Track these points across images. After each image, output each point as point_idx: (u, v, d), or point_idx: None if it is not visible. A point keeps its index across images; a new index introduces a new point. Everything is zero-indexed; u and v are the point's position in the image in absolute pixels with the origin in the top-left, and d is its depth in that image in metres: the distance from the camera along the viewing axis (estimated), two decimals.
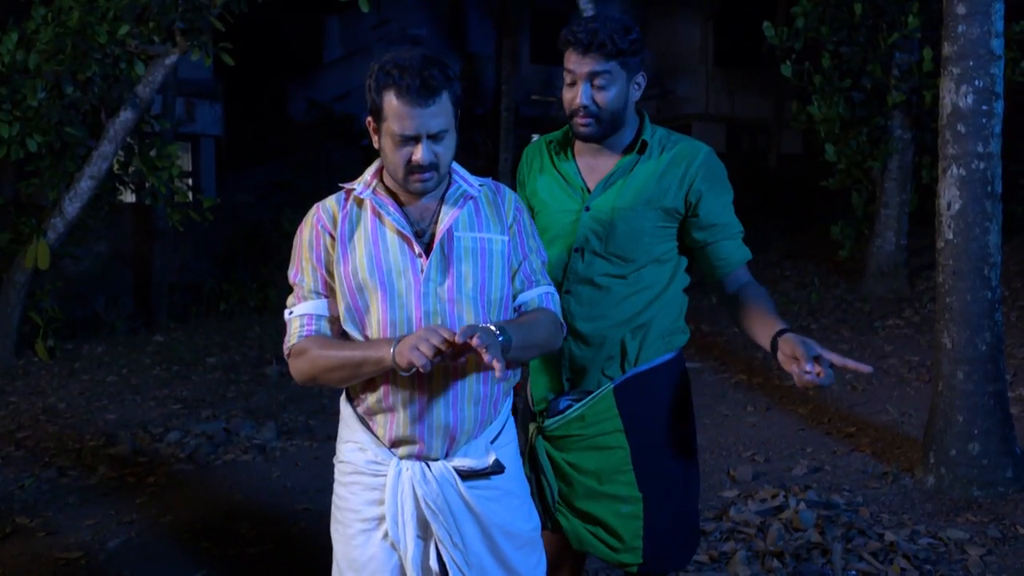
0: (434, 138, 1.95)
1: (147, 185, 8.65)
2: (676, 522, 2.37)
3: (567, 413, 2.37)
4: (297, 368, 2.06)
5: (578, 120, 2.33)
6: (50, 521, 4.42)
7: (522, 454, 2.44)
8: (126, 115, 8.02)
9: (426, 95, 1.91)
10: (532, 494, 2.43)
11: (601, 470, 2.35)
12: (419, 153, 1.94)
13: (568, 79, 2.33)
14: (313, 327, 2.05)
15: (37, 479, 5.05)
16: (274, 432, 5.78)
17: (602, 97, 2.29)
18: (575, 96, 2.31)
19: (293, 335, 2.06)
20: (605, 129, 2.34)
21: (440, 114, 1.94)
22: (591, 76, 2.28)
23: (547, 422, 2.40)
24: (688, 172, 2.34)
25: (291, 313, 2.07)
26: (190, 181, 14.70)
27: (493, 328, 1.89)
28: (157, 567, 3.86)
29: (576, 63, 2.29)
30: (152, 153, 8.49)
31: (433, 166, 1.96)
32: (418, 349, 1.81)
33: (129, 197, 11.41)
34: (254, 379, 7.40)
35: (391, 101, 1.93)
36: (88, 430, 6.05)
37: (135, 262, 12.62)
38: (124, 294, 12.35)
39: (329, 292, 2.06)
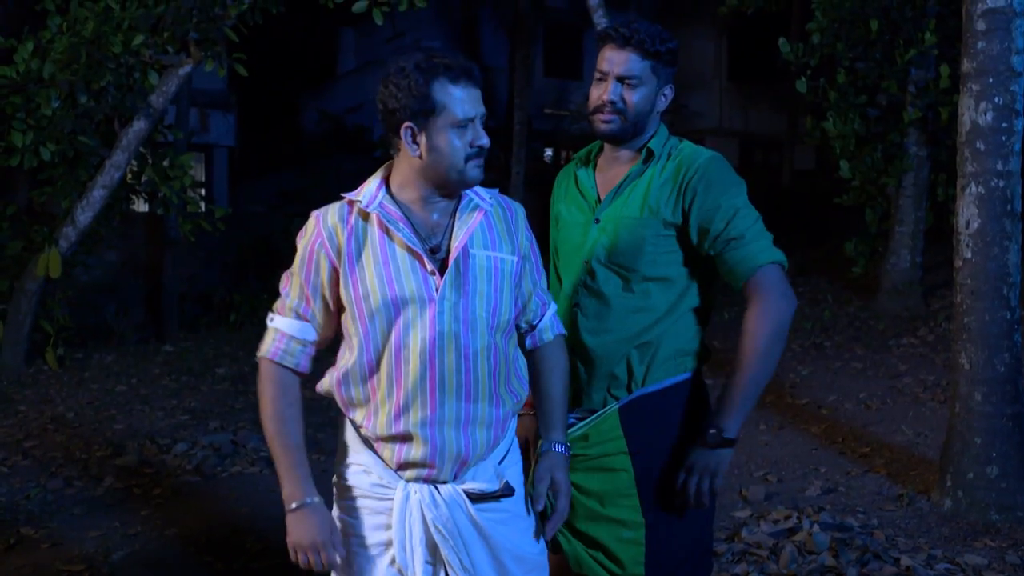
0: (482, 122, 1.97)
1: (159, 195, 8.64)
2: (683, 549, 2.27)
3: (570, 432, 2.31)
4: (260, 383, 2.05)
5: (601, 116, 2.29)
6: (55, 532, 4.38)
7: (526, 472, 2.39)
8: (139, 125, 8.03)
9: (477, 76, 1.95)
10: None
11: (604, 492, 2.28)
12: (482, 136, 1.94)
13: (598, 75, 2.31)
14: (283, 347, 2.02)
15: (43, 489, 5.02)
16: None
17: (630, 96, 2.27)
18: (603, 91, 2.28)
19: (266, 346, 2.04)
20: (627, 129, 2.29)
21: (481, 98, 1.97)
22: (623, 73, 2.25)
23: None
24: (685, 177, 2.26)
25: (271, 320, 2.05)
26: (202, 191, 14.74)
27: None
28: None
29: (609, 58, 2.27)
30: (165, 163, 8.49)
31: (488, 150, 1.97)
32: (308, 556, 1.99)
33: (141, 207, 11.43)
34: None
35: (446, 89, 1.90)
36: (95, 440, 6.02)
37: (146, 271, 12.64)
38: (135, 303, 12.37)
39: (311, 316, 2.02)
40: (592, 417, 2.30)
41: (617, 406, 2.28)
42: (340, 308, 2.01)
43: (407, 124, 1.92)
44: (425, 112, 1.90)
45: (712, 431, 2.19)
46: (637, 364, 2.28)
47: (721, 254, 2.22)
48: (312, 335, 2.03)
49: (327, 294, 2.00)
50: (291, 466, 2.01)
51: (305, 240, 2.02)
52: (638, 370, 2.28)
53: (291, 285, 2.03)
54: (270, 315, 2.06)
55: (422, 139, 1.93)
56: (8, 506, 4.78)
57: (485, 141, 1.94)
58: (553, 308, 2.18)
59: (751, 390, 2.21)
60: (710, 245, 2.23)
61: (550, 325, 2.16)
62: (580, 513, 2.30)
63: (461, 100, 1.89)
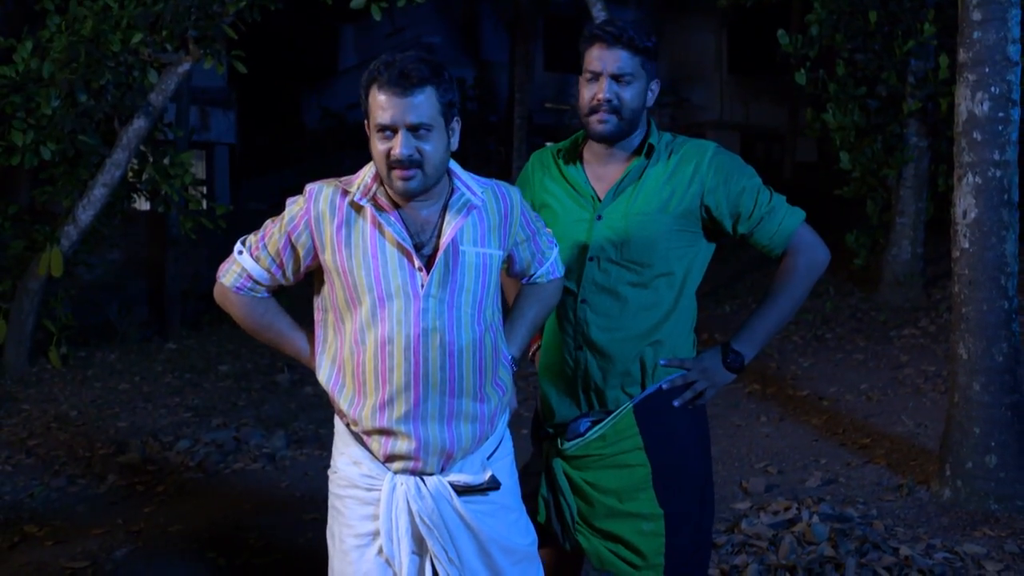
0: (415, 132, 1.90)
1: (161, 193, 8.66)
2: (696, 537, 2.35)
3: (587, 435, 2.34)
4: (222, 301, 2.13)
5: (597, 116, 2.30)
6: (58, 530, 4.40)
7: (535, 473, 2.43)
8: (139, 123, 8.05)
9: (405, 85, 1.88)
10: (551, 514, 2.41)
11: (622, 488, 2.32)
12: (397, 146, 1.89)
13: (588, 76, 2.32)
14: (248, 285, 2.08)
15: (46, 487, 5.05)
16: (284, 441, 5.76)
17: (625, 94, 2.29)
18: (598, 91, 2.29)
19: (231, 278, 2.08)
20: (623, 128, 2.32)
21: (422, 107, 1.90)
22: (616, 71, 2.27)
23: (566, 445, 2.37)
24: (697, 173, 2.32)
25: (240, 253, 2.08)
26: (204, 189, 14.73)
27: (508, 377, 2.08)
28: None
29: (601, 58, 2.29)
30: (165, 161, 8.50)
31: (414, 163, 1.91)
32: None
33: (143, 205, 11.44)
34: (265, 387, 7.39)
35: (374, 94, 1.92)
36: (99, 438, 6.04)
37: (149, 270, 12.66)
38: (138, 302, 12.39)
39: (277, 273, 2.07)
40: (609, 419, 2.34)
41: (631, 404, 2.33)
42: (308, 274, 2.10)
43: (364, 121, 2.00)
44: (365, 113, 1.96)
45: (732, 354, 2.35)
46: (651, 361, 2.34)
47: (754, 231, 2.35)
48: (274, 283, 2.10)
49: (300, 264, 2.04)
50: (298, 351, 2.14)
51: (294, 210, 2.03)
52: (651, 367, 2.34)
53: (269, 238, 2.06)
54: (240, 245, 2.09)
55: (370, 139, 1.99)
56: (12, 504, 4.81)
57: (398, 152, 1.89)
58: (551, 258, 2.25)
59: (778, 325, 2.40)
60: (744, 225, 2.34)
61: (546, 272, 2.25)
62: (599, 511, 2.35)
63: (382, 107, 1.90)
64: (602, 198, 2.37)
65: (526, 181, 2.56)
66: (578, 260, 2.37)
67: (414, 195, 1.96)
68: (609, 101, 2.28)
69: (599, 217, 2.35)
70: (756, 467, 5.00)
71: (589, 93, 2.31)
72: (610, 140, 2.35)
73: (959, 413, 4.25)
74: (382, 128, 1.91)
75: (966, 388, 4.22)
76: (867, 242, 9.27)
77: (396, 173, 1.92)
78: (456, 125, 2.00)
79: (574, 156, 2.46)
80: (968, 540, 3.80)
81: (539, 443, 2.52)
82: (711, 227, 2.37)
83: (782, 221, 2.34)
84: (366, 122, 1.99)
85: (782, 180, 16.51)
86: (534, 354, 2.57)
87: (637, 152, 2.37)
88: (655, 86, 2.37)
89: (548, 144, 2.61)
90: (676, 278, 2.35)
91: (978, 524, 3.98)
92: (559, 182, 2.46)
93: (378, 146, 1.93)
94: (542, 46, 19.57)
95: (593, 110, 2.31)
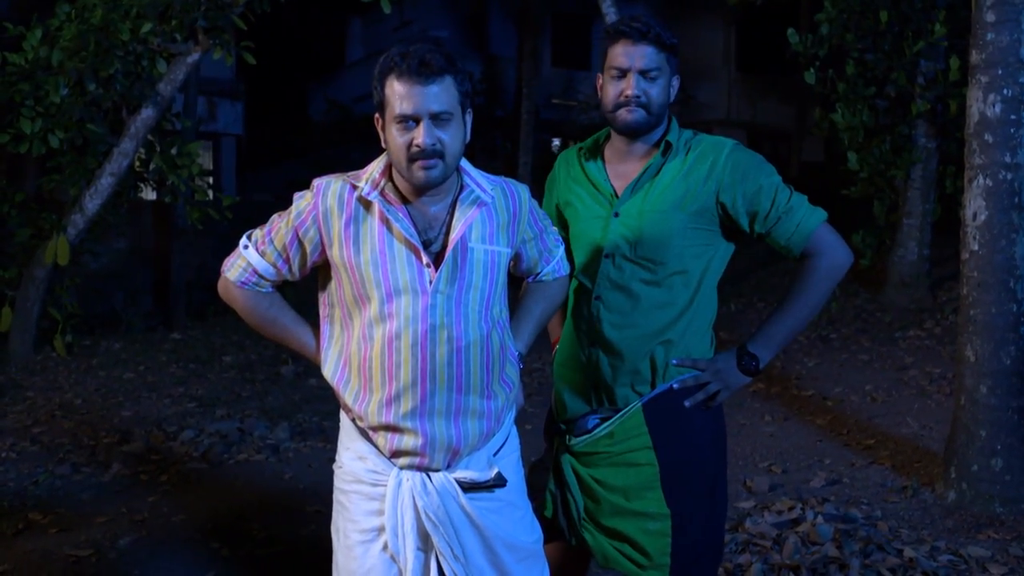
0: (437, 120, 1.89)
1: (167, 183, 8.66)
2: (703, 538, 2.33)
3: (595, 432, 2.33)
4: (226, 296, 2.11)
5: (625, 109, 2.29)
6: (62, 518, 4.41)
7: (546, 468, 2.42)
8: (147, 113, 8.05)
9: (426, 73, 1.87)
10: (557, 510, 2.40)
11: (629, 487, 2.31)
12: (420, 135, 1.87)
13: (614, 73, 2.30)
14: (253, 280, 2.06)
15: (51, 475, 5.06)
16: (288, 432, 5.77)
17: (651, 89, 2.29)
18: (625, 87, 2.28)
19: (235, 273, 2.06)
20: (650, 121, 2.32)
21: (442, 96, 1.89)
22: (644, 67, 2.27)
23: (574, 441, 2.37)
24: (714, 170, 2.30)
25: (246, 248, 2.06)
26: (210, 179, 14.73)
27: (515, 374, 2.06)
28: (167, 567, 3.84)
29: (627, 54, 2.28)
30: (173, 151, 8.51)
31: (437, 152, 1.89)
32: None
33: (150, 195, 11.45)
34: (269, 378, 7.40)
35: (392, 84, 1.90)
36: (103, 427, 6.05)
37: (154, 260, 12.66)
38: (143, 291, 12.39)
39: (283, 268, 2.05)
40: (617, 416, 2.33)
41: (641, 403, 2.32)
42: (314, 269, 2.07)
43: (376, 115, 1.97)
44: (380, 105, 1.94)
45: (748, 357, 2.32)
46: (661, 360, 2.32)
47: (771, 231, 2.31)
48: (280, 278, 2.08)
49: (307, 259, 2.03)
50: (303, 345, 2.13)
51: (302, 204, 2.01)
52: (661, 366, 2.32)
53: (276, 232, 2.03)
54: (245, 240, 2.07)
55: (384, 132, 1.96)
56: (16, 492, 4.82)
57: (422, 141, 1.87)
58: (557, 256, 2.26)
59: (796, 328, 2.34)
60: (761, 225, 2.31)
61: (552, 270, 2.26)
62: (605, 508, 2.34)
63: (401, 96, 1.88)
64: (620, 195, 2.37)
65: (553, 180, 2.57)
66: (595, 257, 2.36)
67: (434, 185, 1.94)
68: (638, 97, 2.27)
69: (616, 214, 2.34)
70: (760, 466, 4.99)
71: (615, 90, 2.30)
72: (637, 132, 2.33)
73: (965, 415, 4.24)
74: (403, 118, 1.88)
75: (973, 391, 4.21)
76: (873, 243, 9.26)
77: (418, 164, 1.89)
78: (469, 116, 1.99)
79: (596, 154, 2.46)
80: (972, 543, 3.80)
81: (551, 438, 2.51)
82: (728, 226, 2.35)
83: (800, 222, 2.29)
84: (378, 116, 1.96)
85: (788, 179, 16.44)
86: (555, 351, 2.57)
87: (656, 148, 2.37)
88: (676, 82, 2.36)
89: (556, 142, 2.61)
90: (692, 277, 2.33)
91: (983, 527, 3.97)
92: (581, 181, 2.46)
93: (397, 137, 1.90)
94: (550, 42, 19.56)
95: (620, 106, 2.30)
